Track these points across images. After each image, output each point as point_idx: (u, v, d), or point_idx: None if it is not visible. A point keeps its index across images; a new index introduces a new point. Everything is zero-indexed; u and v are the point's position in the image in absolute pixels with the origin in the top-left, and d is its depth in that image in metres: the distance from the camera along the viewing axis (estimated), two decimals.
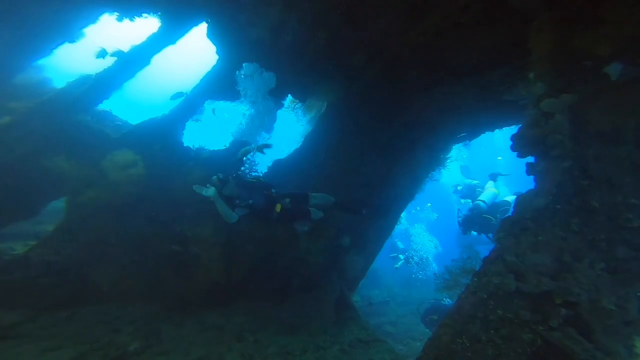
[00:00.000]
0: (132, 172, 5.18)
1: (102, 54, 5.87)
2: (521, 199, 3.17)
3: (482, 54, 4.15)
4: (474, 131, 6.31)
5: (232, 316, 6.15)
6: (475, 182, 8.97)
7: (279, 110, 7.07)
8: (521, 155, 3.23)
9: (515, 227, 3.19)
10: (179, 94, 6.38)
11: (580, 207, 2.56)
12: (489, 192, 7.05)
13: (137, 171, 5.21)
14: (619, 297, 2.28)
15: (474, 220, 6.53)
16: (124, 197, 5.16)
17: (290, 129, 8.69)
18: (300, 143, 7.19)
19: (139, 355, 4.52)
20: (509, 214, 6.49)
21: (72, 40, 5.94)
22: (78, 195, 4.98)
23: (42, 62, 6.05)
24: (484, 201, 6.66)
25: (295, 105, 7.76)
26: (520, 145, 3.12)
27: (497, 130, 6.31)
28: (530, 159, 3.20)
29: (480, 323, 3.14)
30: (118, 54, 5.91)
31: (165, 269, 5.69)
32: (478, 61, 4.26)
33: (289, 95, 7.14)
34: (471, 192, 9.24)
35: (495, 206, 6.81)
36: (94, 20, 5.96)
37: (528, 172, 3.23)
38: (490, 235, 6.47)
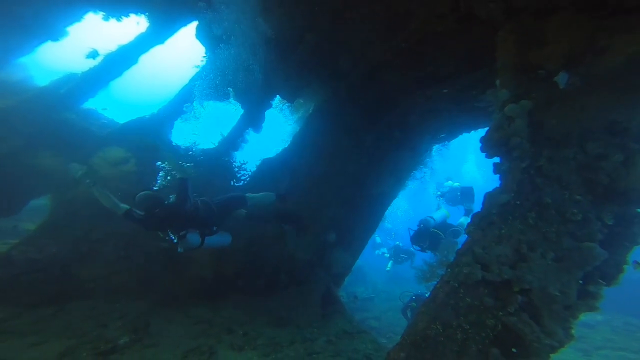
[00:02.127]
0: (123, 169, 5.26)
1: (93, 54, 5.90)
2: (488, 196, 3.46)
3: (457, 60, 4.43)
4: (452, 132, 6.62)
5: (221, 310, 6.30)
6: (457, 184, 9.24)
7: (267, 111, 7.23)
8: (489, 155, 3.52)
9: (483, 222, 3.48)
10: (94, 53, 6.16)
11: (535, 203, 2.85)
12: (440, 212, 7.33)
13: (129, 168, 5.29)
14: (563, 283, 2.57)
15: (424, 234, 6.65)
16: (113, 193, 5.22)
17: (278, 129, 8.86)
18: (289, 143, 7.38)
19: (130, 348, 4.58)
20: (459, 235, 6.87)
21: (55, 39, 5.93)
22: (64, 192, 5.02)
23: (23, 60, 6.02)
24: (432, 217, 6.90)
25: (283, 105, 7.94)
26: (487, 146, 3.40)
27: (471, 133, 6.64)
28: (497, 159, 3.49)
29: (452, 310, 3.41)
30: (94, 54, 5.92)
31: (154, 265, 5.79)
32: (454, 67, 4.55)
33: (278, 95, 7.31)
34: (454, 195, 9.56)
35: (445, 225, 7.03)
36: (78, 18, 5.96)
37: (495, 171, 3.52)
38: (437, 252, 6.62)
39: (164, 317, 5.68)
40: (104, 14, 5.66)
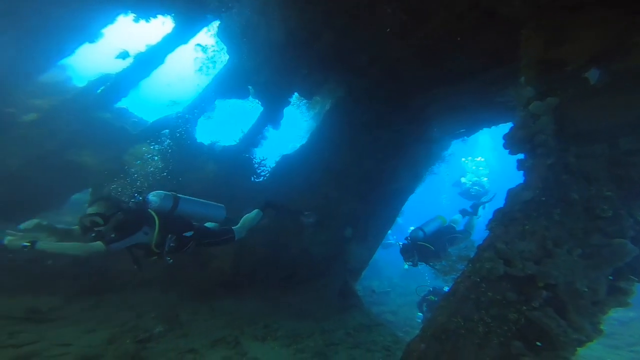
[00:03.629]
0: (152, 166, 5.53)
1: (123, 55, 6.17)
2: (510, 193, 3.48)
3: (476, 57, 4.41)
4: (471, 127, 6.56)
5: (242, 303, 6.56)
6: (476, 178, 9.09)
7: (285, 108, 7.35)
8: (512, 152, 3.54)
9: (505, 218, 3.51)
10: (124, 54, 6.41)
11: (561, 199, 2.86)
12: (436, 221, 6.88)
13: (156, 164, 5.55)
14: (591, 280, 2.59)
15: (412, 248, 6.39)
16: (140, 188, 5.50)
17: (295, 125, 8.98)
18: (306, 139, 7.49)
19: (164, 337, 4.95)
20: (463, 241, 6.65)
21: (92, 41, 6.23)
22: (102, 187, 5.34)
23: (64, 61, 6.37)
24: (422, 229, 6.53)
25: (300, 102, 8.04)
26: (511, 144, 3.42)
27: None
28: (520, 156, 3.50)
29: (473, 304, 3.47)
30: (124, 54, 6.18)
31: (181, 259, 6.05)
32: (473, 64, 4.52)
33: (295, 92, 7.41)
34: (468, 191, 9.38)
35: (439, 234, 6.67)
36: (111, 20, 6.24)
37: (518, 168, 3.54)
38: (431, 263, 6.37)
39: (190, 308, 5.99)
40: (135, 15, 5.90)
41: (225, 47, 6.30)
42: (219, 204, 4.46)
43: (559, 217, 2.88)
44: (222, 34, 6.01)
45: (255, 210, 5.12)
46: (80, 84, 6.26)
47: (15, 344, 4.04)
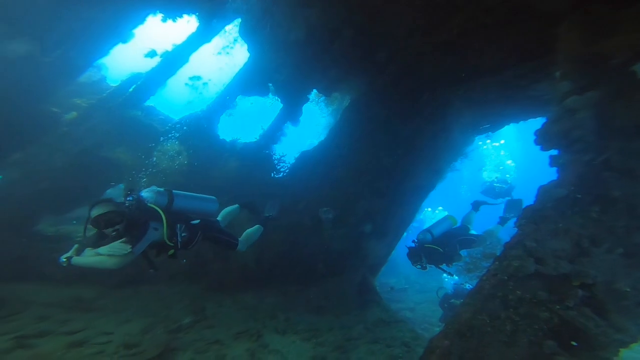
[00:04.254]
0: (178, 162, 5.72)
1: (151, 54, 6.36)
2: (543, 190, 3.39)
3: (505, 52, 4.27)
4: (497, 123, 6.38)
5: (264, 297, 6.71)
6: (499, 176, 8.76)
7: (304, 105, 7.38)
8: (544, 148, 3.43)
9: (536, 216, 3.43)
10: (152, 53, 6.59)
11: (600, 197, 2.77)
12: (445, 222, 6.54)
13: (182, 161, 5.73)
14: (635, 279, 2.51)
15: (419, 251, 6.11)
16: (168, 184, 5.69)
17: (313, 122, 9.00)
18: (325, 135, 7.50)
19: (192, 328, 5.21)
20: (470, 245, 6.38)
21: (124, 41, 6.45)
22: (134, 182, 5.58)
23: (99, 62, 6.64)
24: (430, 231, 6.23)
25: (319, 98, 8.04)
26: (544, 139, 3.32)
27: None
28: (553, 151, 3.40)
29: (500, 302, 3.42)
30: (152, 53, 6.36)
31: (206, 253, 6.25)
32: (501, 59, 4.38)
33: (314, 89, 7.42)
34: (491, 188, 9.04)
35: (449, 235, 6.38)
36: (142, 21, 6.43)
37: (551, 164, 3.44)
38: (442, 266, 6.14)
39: (215, 301, 6.20)
40: (163, 15, 6.07)
41: (246, 45, 6.38)
42: (211, 197, 4.31)
43: (597, 215, 2.79)
44: (243, 32, 6.08)
45: (256, 226, 5.01)
46: (112, 83, 6.54)
47: (67, 331, 4.43)
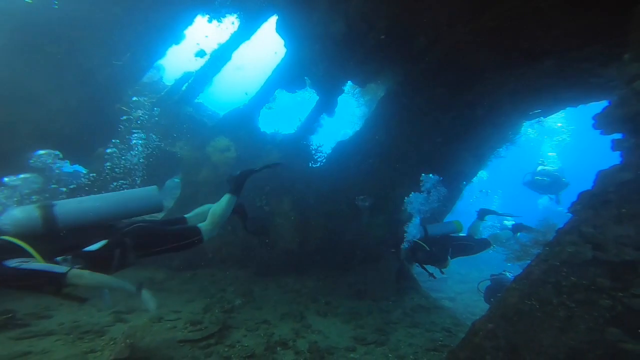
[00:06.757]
0: (227, 155, 6.14)
1: (201, 53, 6.79)
2: (603, 174, 3.24)
3: (564, 35, 3.95)
4: (551, 107, 5.97)
5: (305, 281, 7.05)
6: (549, 168, 8.24)
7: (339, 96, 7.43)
8: (605, 132, 3.26)
9: (595, 200, 3.29)
10: (201, 52, 6.96)
11: None
12: (448, 225, 6.30)
13: (231, 154, 6.15)
14: None
15: (414, 251, 5.93)
16: (220, 176, 6.18)
17: (348, 112, 9.03)
18: (361, 125, 7.52)
19: (243, 309, 5.71)
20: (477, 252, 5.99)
21: (177, 42, 6.93)
22: (191, 175, 6.10)
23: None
24: (426, 228, 6.06)
25: (354, 90, 8.04)
26: (605, 123, 3.16)
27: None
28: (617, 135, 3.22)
29: (552, 288, 3.34)
30: (202, 53, 6.77)
31: (252, 239, 6.71)
32: (559, 42, 4.07)
33: (349, 81, 7.42)
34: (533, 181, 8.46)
35: (445, 239, 6.15)
36: (191, 22, 6.85)
37: (614, 149, 3.26)
38: (427, 267, 6.00)
39: (261, 284, 6.66)
40: (209, 16, 6.42)
41: (284, 41, 6.53)
42: (147, 187, 3.39)
43: None
44: (280, 28, 6.22)
45: (225, 197, 3.72)
46: (167, 82, 7.13)
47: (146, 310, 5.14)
